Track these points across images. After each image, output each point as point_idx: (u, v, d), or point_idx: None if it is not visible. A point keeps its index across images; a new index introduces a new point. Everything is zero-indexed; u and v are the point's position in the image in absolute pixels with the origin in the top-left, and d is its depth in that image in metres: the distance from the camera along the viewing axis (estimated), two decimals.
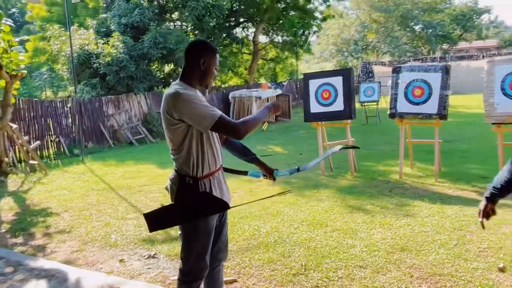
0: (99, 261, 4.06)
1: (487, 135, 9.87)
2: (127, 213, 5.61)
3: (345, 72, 6.89)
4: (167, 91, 2.31)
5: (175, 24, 15.75)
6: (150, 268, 3.82)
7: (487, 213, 2.22)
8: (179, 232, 2.44)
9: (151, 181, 7.42)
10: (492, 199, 2.19)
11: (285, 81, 23.91)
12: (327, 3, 19.52)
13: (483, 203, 2.22)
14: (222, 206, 2.30)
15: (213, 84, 18.20)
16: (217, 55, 2.41)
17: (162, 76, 16.13)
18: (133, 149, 12.25)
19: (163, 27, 14.57)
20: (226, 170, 2.75)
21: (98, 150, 12.31)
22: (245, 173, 2.88)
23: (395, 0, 36.62)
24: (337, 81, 6.79)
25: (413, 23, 38.65)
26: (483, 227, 2.29)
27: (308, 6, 19.35)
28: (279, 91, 17.99)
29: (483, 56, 24.55)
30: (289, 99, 17.85)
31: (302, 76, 25.62)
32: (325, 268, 3.54)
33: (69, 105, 12.19)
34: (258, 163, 2.72)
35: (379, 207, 5.11)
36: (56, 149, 11.60)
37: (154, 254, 4.12)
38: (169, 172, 8.60)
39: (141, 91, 13.98)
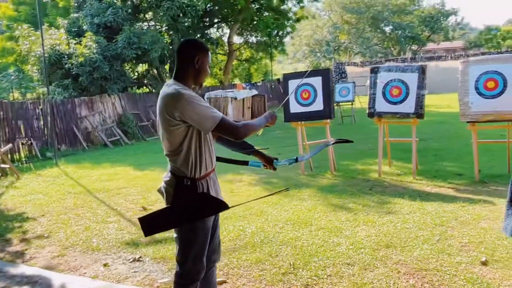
0: (82, 265, 3.97)
1: (458, 133, 10.21)
2: (107, 216, 5.50)
3: (324, 73, 6.96)
4: (165, 90, 2.27)
5: (149, 24, 15.56)
6: (136, 272, 3.75)
7: None
8: (175, 235, 2.40)
9: (129, 183, 7.30)
10: None
11: (259, 82, 23.97)
12: (301, 4, 19.66)
13: None
14: (220, 206, 2.28)
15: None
16: (209, 53, 2.41)
17: (136, 76, 15.90)
18: (108, 151, 12.03)
19: (137, 27, 14.36)
20: (226, 160, 2.74)
21: (72, 152, 12.02)
22: (245, 163, 2.88)
23: (366, 2, 37.32)
24: (317, 81, 6.86)
25: (383, 25, 39.51)
26: None
27: (282, 7, 19.47)
28: (254, 92, 18.00)
29: (451, 57, 25.28)
30: (264, 100, 17.90)
31: (276, 77, 25.78)
32: (313, 266, 3.57)
33: (40, 107, 11.85)
34: (257, 154, 2.74)
35: (361, 205, 5.18)
36: (28, 152, 11.25)
37: (139, 257, 4.05)
38: (148, 174, 8.49)
39: (115, 92, 13.74)
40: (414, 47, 40.25)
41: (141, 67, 16.06)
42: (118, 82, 13.77)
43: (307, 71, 6.83)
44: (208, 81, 24.12)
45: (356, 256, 3.72)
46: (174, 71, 2.38)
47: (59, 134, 12.13)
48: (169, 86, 2.28)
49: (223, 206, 2.26)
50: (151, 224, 2.28)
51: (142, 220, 2.29)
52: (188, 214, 2.24)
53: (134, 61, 14.22)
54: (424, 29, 39.97)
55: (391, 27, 39.59)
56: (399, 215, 4.72)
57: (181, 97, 2.17)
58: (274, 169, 2.72)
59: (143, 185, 7.12)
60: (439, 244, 3.85)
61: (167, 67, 16.40)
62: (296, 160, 2.80)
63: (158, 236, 4.59)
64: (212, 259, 2.52)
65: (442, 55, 27.44)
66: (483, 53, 25.33)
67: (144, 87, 17.19)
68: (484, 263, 3.40)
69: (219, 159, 2.62)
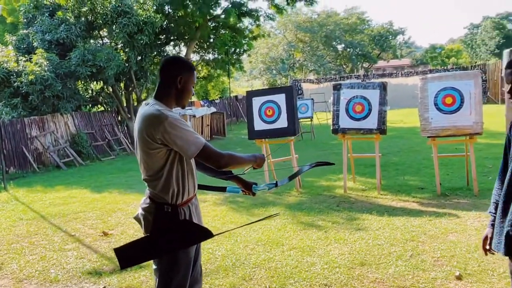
0: None
1: (414, 148, 10.52)
2: (64, 243, 5.15)
3: (287, 90, 6.97)
4: (146, 110, 2.12)
5: (103, 41, 15.15)
6: None
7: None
8: (154, 266, 2.22)
9: (86, 207, 6.93)
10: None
11: (217, 99, 23.88)
12: (257, 22, 19.85)
13: (488, 230, 2.19)
14: (205, 234, 2.13)
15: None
16: (195, 72, 2.28)
17: (90, 95, 15.37)
18: (62, 173, 11.46)
19: (92, 44, 13.93)
20: (203, 187, 2.59)
21: (21, 175, 11.36)
22: (223, 189, 2.74)
23: (319, 21, 38.41)
24: (280, 99, 6.85)
25: (336, 43, 40.76)
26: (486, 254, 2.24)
27: (239, 25, 19.57)
28: (213, 109, 17.90)
29: (401, 74, 26.31)
30: (223, 117, 17.82)
31: (233, 94, 25.77)
32: None
33: None
34: (235, 179, 2.58)
35: (330, 222, 5.15)
36: None
37: None
38: (106, 197, 8.12)
39: (68, 111, 13.18)
40: (366, 64, 41.73)
41: (96, 85, 15.54)
42: (71, 101, 13.22)
43: (271, 88, 6.82)
44: None
45: (332, 276, 3.64)
46: (156, 90, 2.23)
47: (7, 156, 11.43)
48: (150, 105, 2.13)
49: (207, 234, 2.11)
50: (128, 255, 2.09)
51: (118, 250, 2.09)
52: (169, 244, 2.06)
53: (88, 79, 13.73)
54: (374, 47, 41.61)
55: (343, 45, 40.93)
56: (369, 231, 4.71)
57: (164, 119, 2.03)
58: (253, 194, 2.59)
59: (101, 208, 6.79)
60: (412, 259, 3.85)
61: (122, 84, 15.99)
62: (276, 184, 2.69)
63: None
64: None
65: (393, 72, 28.55)
66: (430, 70, 26.54)
67: (99, 106, 16.64)
68: (459, 278, 3.43)
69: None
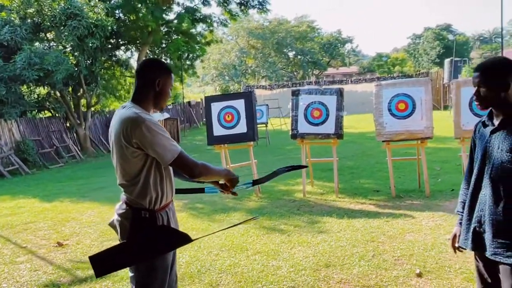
0: None
1: (367, 152, 10.89)
2: (15, 256, 4.88)
3: (247, 95, 7.00)
4: (123, 113, 2.05)
5: (50, 44, 14.53)
6: None
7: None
8: (130, 274, 2.14)
9: (36, 217, 6.61)
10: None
11: (170, 105, 23.54)
12: (210, 28, 19.82)
13: (456, 228, 2.29)
14: (183, 239, 2.08)
15: (94, 109, 16.95)
16: (172, 75, 2.25)
17: (36, 100, 14.67)
18: (6, 182, 10.84)
19: (39, 46, 13.32)
20: (181, 192, 2.54)
21: None
22: (201, 190, 2.70)
23: (270, 28, 38.94)
24: (239, 104, 6.87)
25: (287, 50, 41.49)
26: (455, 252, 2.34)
27: (192, 31, 19.45)
28: (166, 115, 17.61)
29: (350, 81, 27.18)
30: (177, 123, 17.60)
31: (186, 100, 25.50)
32: None
33: None
34: (213, 182, 2.56)
35: (292, 226, 5.21)
36: None
37: None
38: (57, 206, 7.80)
39: (13, 116, 12.51)
40: (316, 71, 42.74)
41: (43, 90, 14.85)
42: (16, 106, 12.56)
43: (230, 93, 6.84)
44: (114, 104, 23.13)
45: (299, 278, 3.69)
46: (133, 93, 2.17)
47: None
48: (127, 108, 2.07)
49: (186, 239, 2.07)
50: (104, 263, 2.01)
51: (93, 258, 2.00)
52: (147, 250, 2.01)
53: (34, 83, 13.10)
54: (324, 55, 42.78)
55: (294, 52, 41.75)
56: (331, 233, 4.82)
57: (141, 122, 1.99)
58: (234, 193, 2.57)
59: (53, 218, 6.49)
60: (374, 259, 3.97)
61: (70, 89, 15.39)
62: (253, 183, 2.70)
63: (81, 274, 4.18)
64: None
65: (342, 79, 29.45)
66: (378, 78, 27.61)
67: (46, 111, 15.92)
68: (419, 275, 3.57)
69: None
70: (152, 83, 2.15)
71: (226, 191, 2.50)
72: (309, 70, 41.53)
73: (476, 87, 2.05)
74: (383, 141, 6.34)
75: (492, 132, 2.03)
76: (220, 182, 2.51)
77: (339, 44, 43.86)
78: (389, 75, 31.58)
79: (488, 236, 2.01)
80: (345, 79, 29.46)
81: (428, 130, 6.13)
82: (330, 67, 46.02)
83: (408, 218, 5.19)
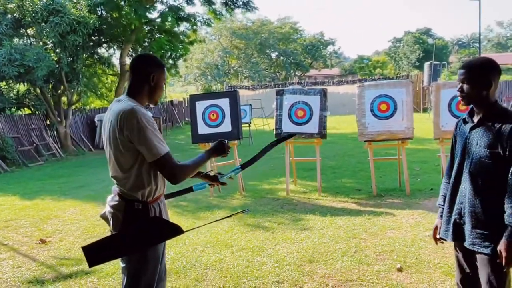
0: None
1: (348, 152, 11.06)
2: None
3: (231, 94, 7.06)
4: (118, 106, 2.09)
5: (31, 40, 14.29)
6: None
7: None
8: (122, 264, 2.18)
9: (17, 215, 6.53)
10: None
11: None
12: (194, 28, 19.76)
13: (438, 221, 2.39)
14: (175, 231, 2.13)
15: (75, 107, 16.73)
16: (165, 70, 2.29)
17: (15, 96, 14.41)
18: None
19: (20, 42, 13.09)
20: (172, 195, 2.57)
21: None
22: (190, 189, 2.70)
23: (253, 29, 39.04)
24: (224, 103, 6.92)
25: (270, 51, 41.65)
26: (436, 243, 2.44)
27: (175, 30, 19.38)
28: (149, 114, 17.50)
29: (332, 83, 27.45)
30: (160, 121, 17.52)
31: (169, 99, 25.37)
32: (244, 287, 3.52)
33: None
34: (200, 176, 2.58)
35: (276, 223, 5.29)
36: None
37: None
38: (38, 203, 7.74)
39: None
40: (298, 73, 43.02)
41: (23, 86, 14.58)
42: None
43: (214, 92, 6.88)
44: (96, 103, 22.87)
45: (284, 273, 3.76)
46: (128, 88, 2.21)
47: None
48: (123, 101, 2.11)
49: (178, 230, 2.12)
50: (96, 253, 2.04)
51: (86, 248, 2.04)
52: (140, 241, 2.05)
53: (14, 80, 12.87)
54: (307, 56, 43.09)
55: (277, 53, 41.94)
56: (314, 230, 4.91)
57: (134, 115, 2.03)
58: (222, 183, 2.59)
59: (34, 215, 6.43)
60: (356, 255, 4.08)
61: (51, 86, 15.16)
62: (242, 167, 2.72)
63: (65, 270, 4.18)
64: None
65: (324, 81, 29.71)
66: (359, 80, 27.95)
67: (25, 108, 15.64)
68: (400, 270, 3.69)
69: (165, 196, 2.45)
70: (147, 78, 2.19)
71: (214, 183, 2.54)
72: (292, 71, 41.79)
73: (460, 84, 2.15)
74: (365, 141, 6.48)
75: (472, 128, 2.14)
76: (207, 173, 2.56)
77: (321, 46, 44.25)
78: (370, 78, 32.04)
79: (467, 227, 2.12)
80: (327, 80, 29.75)
81: (409, 131, 6.29)
82: (313, 68, 46.40)
83: (389, 216, 5.33)
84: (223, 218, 3.52)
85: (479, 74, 2.10)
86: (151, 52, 18.87)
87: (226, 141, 2.39)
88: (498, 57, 43.77)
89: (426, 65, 23.66)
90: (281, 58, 41.55)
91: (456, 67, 42.32)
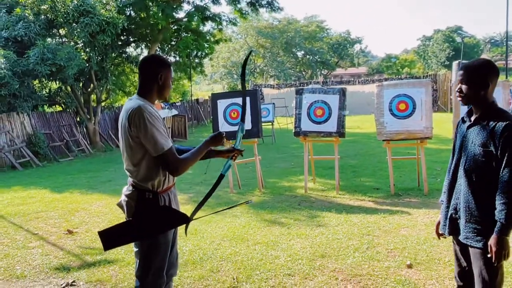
0: None
1: (369, 152, 11.04)
2: (27, 241, 5.13)
3: (252, 93, 7.20)
4: (128, 105, 2.28)
5: (63, 40, 14.84)
6: None
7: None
8: (135, 249, 2.37)
9: (47, 207, 6.87)
10: None
11: (178, 102, 23.82)
12: (219, 27, 20.01)
13: (440, 216, 2.47)
14: (183, 219, 2.31)
15: (104, 104, 17.21)
16: (172, 69, 2.45)
17: (47, 94, 14.98)
18: (18, 174, 11.15)
19: (52, 42, 13.61)
20: (204, 201, 2.60)
21: None
22: (221, 178, 2.67)
23: (279, 28, 39.06)
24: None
25: (296, 50, 41.59)
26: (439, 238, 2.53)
27: (201, 29, 19.68)
28: (175, 112, 17.89)
29: (358, 82, 27.24)
30: (185, 119, 17.85)
31: (194, 97, 25.73)
32: (256, 279, 3.67)
33: None
34: (215, 153, 2.66)
35: (292, 220, 5.41)
36: None
37: (73, 282, 3.85)
38: (67, 197, 8.07)
39: (25, 110, 12.83)
40: (324, 71, 42.82)
41: (55, 85, 15.16)
42: (28, 100, 12.87)
43: (235, 91, 7.03)
44: (124, 100, 23.46)
45: (295, 267, 3.89)
46: (138, 87, 2.39)
47: None
48: (133, 100, 2.30)
49: (185, 218, 2.29)
50: (111, 237, 2.24)
51: (101, 233, 2.24)
52: (150, 227, 2.23)
53: (47, 78, 13.41)
54: (333, 55, 42.83)
55: (303, 52, 41.85)
56: (329, 227, 5.01)
57: (141, 113, 2.20)
58: (240, 151, 2.64)
59: (63, 208, 6.74)
60: (368, 251, 4.16)
61: (81, 84, 15.70)
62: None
63: (90, 258, 4.41)
64: (170, 273, 2.51)
65: (350, 80, 29.50)
66: (386, 79, 27.64)
67: (57, 106, 16.25)
68: (409, 266, 3.76)
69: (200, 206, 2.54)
70: (155, 78, 2.36)
71: (235, 154, 2.62)
72: (318, 70, 41.64)
73: (459, 84, 2.24)
74: (383, 140, 6.51)
75: (468, 127, 2.23)
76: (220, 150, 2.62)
77: (348, 45, 43.88)
78: (397, 77, 31.59)
79: (462, 222, 2.20)
80: (352, 79, 29.53)
81: (428, 131, 6.29)
82: (339, 67, 46.08)
83: (404, 215, 5.37)
84: (226, 208, 3.59)
85: (477, 75, 2.18)
86: (177, 52, 19.29)
87: (224, 132, 2.51)
88: None
89: (455, 64, 23.18)
90: (307, 57, 41.46)
91: None
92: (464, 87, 2.22)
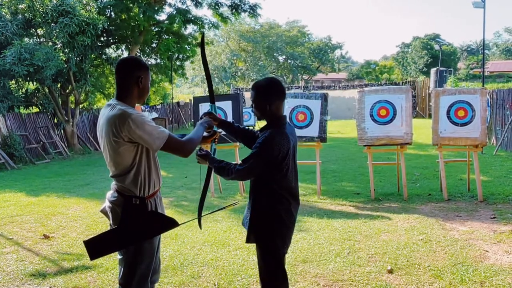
0: None
1: (350, 157, 11.13)
2: (1, 247, 4.98)
3: (234, 97, 7.19)
4: (109, 112, 2.22)
5: (41, 40, 14.55)
6: None
7: None
8: (119, 256, 2.31)
9: (22, 211, 6.69)
10: None
11: (159, 105, 23.62)
12: (201, 30, 19.95)
13: None
14: (170, 224, 2.26)
15: (82, 106, 16.92)
16: (149, 71, 2.42)
17: (24, 95, 14.65)
18: None
19: (30, 42, 13.33)
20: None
21: None
22: (211, 170, 2.86)
23: (261, 32, 39.22)
24: (227, 105, 7.05)
25: (277, 54, 41.81)
26: None
27: (182, 32, 19.58)
28: (155, 114, 17.73)
29: (338, 87, 27.52)
30: (165, 122, 17.71)
31: (175, 100, 25.56)
32: (237, 285, 3.64)
33: None
34: (201, 141, 2.70)
35: None
36: None
37: None
38: (43, 200, 7.90)
39: (1, 111, 12.51)
40: (305, 76, 43.15)
41: (31, 85, 14.83)
42: (4, 101, 12.56)
43: (217, 95, 7.00)
44: (102, 102, 23.13)
45: None
46: (116, 91, 2.33)
47: None
48: (112, 106, 2.24)
49: (173, 223, 2.25)
50: (97, 246, 2.18)
51: (87, 242, 2.17)
52: (138, 234, 2.19)
53: (24, 79, 13.12)
54: (314, 60, 43.21)
55: (284, 56, 42.09)
56: (311, 232, 5.01)
57: (128, 117, 2.16)
58: (220, 132, 2.85)
59: (39, 212, 6.58)
60: (349, 256, 4.17)
61: (59, 85, 15.41)
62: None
63: (67, 264, 4.31)
64: (152, 279, 2.46)
65: (331, 85, 29.81)
66: (366, 85, 27.99)
67: (34, 107, 15.90)
68: (390, 271, 3.78)
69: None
70: (135, 81, 2.32)
71: (216, 139, 2.79)
72: (299, 74, 41.93)
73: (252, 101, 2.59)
74: (364, 146, 6.57)
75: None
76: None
77: (329, 50, 44.36)
78: (377, 82, 32.04)
79: None
80: (333, 84, 29.86)
81: (408, 136, 6.38)
82: (320, 72, 46.50)
83: (385, 220, 5.41)
84: (213, 211, 3.58)
85: (261, 93, 2.59)
86: (158, 54, 19.14)
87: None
88: (506, 64, 43.58)
89: (433, 71, 23.69)
90: (288, 61, 41.73)
91: (464, 73, 42.18)
92: (254, 103, 2.64)
